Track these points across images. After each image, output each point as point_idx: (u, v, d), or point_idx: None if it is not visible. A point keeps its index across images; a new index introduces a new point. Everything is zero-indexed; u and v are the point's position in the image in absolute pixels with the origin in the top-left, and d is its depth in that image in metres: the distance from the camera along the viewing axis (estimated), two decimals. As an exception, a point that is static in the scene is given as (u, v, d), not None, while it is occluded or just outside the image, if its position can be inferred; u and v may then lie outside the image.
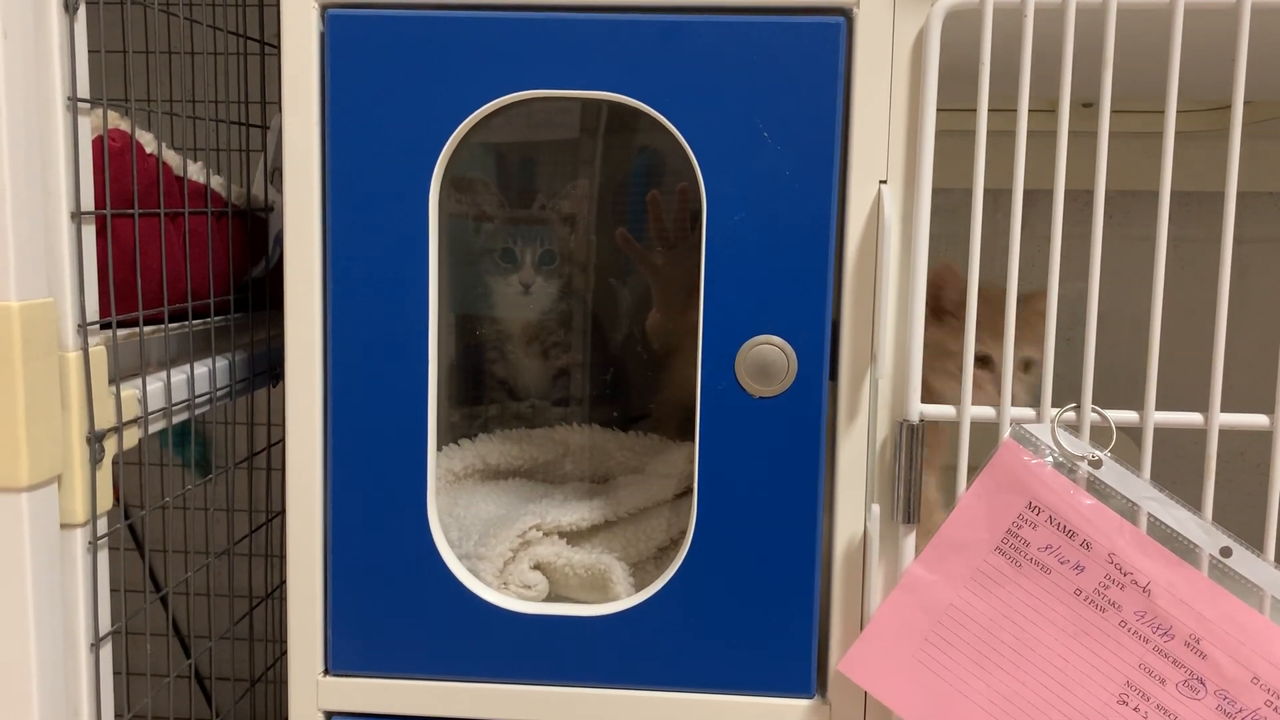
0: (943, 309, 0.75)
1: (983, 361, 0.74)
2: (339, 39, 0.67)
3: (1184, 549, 0.63)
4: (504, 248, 0.94)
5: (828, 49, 0.65)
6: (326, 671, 0.73)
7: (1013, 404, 0.65)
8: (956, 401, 0.66)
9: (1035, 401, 0.66)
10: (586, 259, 0.99)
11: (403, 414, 0.69)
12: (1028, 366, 0.75)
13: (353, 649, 0.72)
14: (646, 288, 0.96)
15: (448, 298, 1.00)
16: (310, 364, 0.70)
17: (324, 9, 0.67)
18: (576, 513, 0.79)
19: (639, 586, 0.74)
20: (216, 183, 0.77)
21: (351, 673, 0.72)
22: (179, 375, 0.73)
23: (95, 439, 0.63)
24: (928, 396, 0.68)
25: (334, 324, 0.69)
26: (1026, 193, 0.64)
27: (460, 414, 1.01)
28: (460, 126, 0.67)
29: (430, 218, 0.68)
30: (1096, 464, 0.64)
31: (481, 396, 1.02)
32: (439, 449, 0.86)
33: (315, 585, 0.71)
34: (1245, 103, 0.63)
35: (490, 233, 0.96)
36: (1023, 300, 0.66)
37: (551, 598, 0.78)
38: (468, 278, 1.01)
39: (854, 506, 0.69)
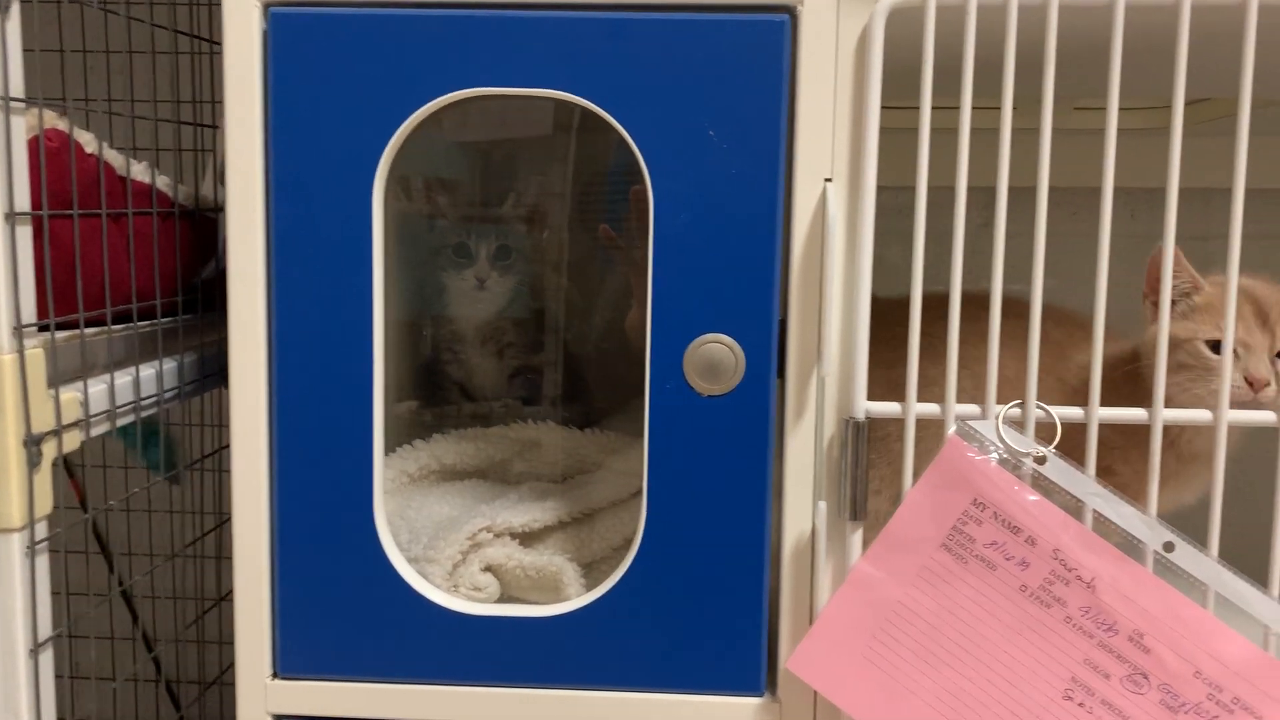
0: (1171, 300, 0.69)
1: (1217, 346, 0.67)
2: (281, 37, 0.66)
3: (1128, 544, 0.63)
4: (458, 243, 0.93)
5: (772, 47, 0.65)
6: (275, 675, 0.72)
7: (1272, 390, 0.65)
8: (1204, 395, 0.66)
9: None
10: (550, 256, 0.99)
11: (349, 416, 0.69)
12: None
13: (301, 652, 0.71)
14: (610, 284, 0.97)
15: (405, 296, 1.00)
16: (255, 366, 0.69)
17: (266, 7, 0.67)
18: (529, 514, 0.79)
19: (594, 587, 0.74)
20: (163, 182, 0.77)
21: (300, 676, 0.72)
22: (124, 377, 0.72)
23: (33, 443, 0.62)
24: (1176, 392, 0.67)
25: (278, 325, 0.68)
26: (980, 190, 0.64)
27: (418, 414, 1.01)
28: (404, 124, 0.67)
29: (374, 217, 0.68)
30: (1041, 460, 0.64)
31: (440, 396, 1.01)
32: (393, 450, 0.86)
33: (263, 589, 0.71)
34: (1202, 100, 0.63)
35: (445, 228, 0.96)
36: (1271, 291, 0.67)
37: (504, 599, 0.77)
38: (425, 276, 1.01)
39: (802, 504, 0.69)
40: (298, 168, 0.67)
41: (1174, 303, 0.68)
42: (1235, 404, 0.65)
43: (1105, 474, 0.69)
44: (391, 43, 0.66)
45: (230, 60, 0.67)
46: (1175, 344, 0.67)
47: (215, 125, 0.87)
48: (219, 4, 0.67)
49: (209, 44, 0.86)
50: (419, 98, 0.67)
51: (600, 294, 0.99)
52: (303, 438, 0.69)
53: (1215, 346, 0.67)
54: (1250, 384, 0.66)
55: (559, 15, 0.66)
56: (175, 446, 1.16)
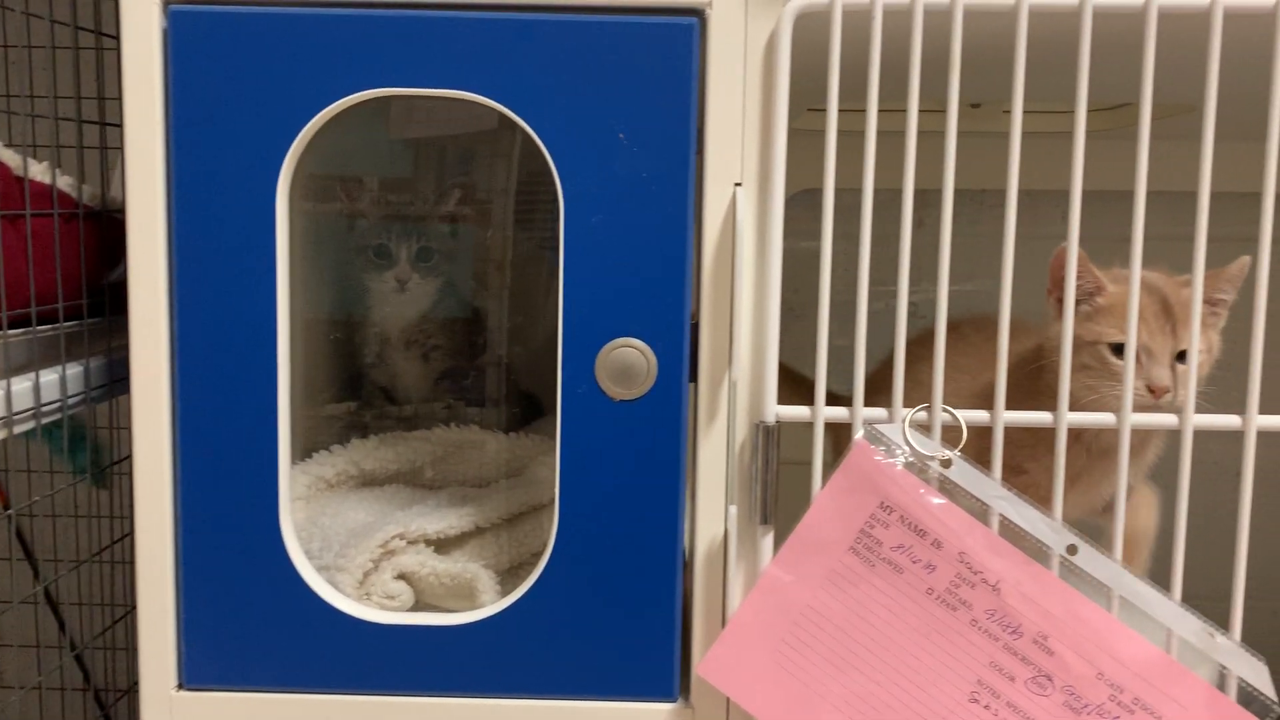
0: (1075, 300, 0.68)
1: (1121, 350, 0.67)
2: (181, 35, 0.65)
3: (1033, 547, 0.64)
4: (378, 244, 0.92)
5: (681, 50, 0.65)
6: (180, 686, 0.70)
7: (1171, 395, 0.65)
8: (1107, 395, 0.66)
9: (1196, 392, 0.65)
10: (490, 255, 0.98)
11: (254, 421, 0.68)
12: (1184, 356, 0.68)
13: (207, 663, 0.70)
14: (546, 285, 0.96)
15: (332, 297, 0.99)
16: (157, 371, 0.67)
17: (166, 4, 0.65)
18: (446, 520, 0.78)
19: (510, 593, 0.73)
20: (65, 183, 0.75)
21: (206, 687, 0.70)
22: (24, 383, 0.70)
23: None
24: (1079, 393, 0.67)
25: (181, 329, 0.67)
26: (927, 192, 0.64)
27: (347, 417, 0.99)
28: (308, 125, 0.66)
29: (279, 218, 0.66)
30: (947, 464, 0.64)
31: (360, 399, 1.00)
32: (310, 455, 0.84)
33: (166, 598, 0.69)
34: (1125, 105, 0.64)
35: (365, 229, 0.94)
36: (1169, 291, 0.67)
37: (420, 607, 0.77)
38: (345, 277, 0.99)
39: (714, 508, 0.68)
40: (200, 168, 0.66)
41: (1078, 303, 0.68)
42: (1137, 409, 0.65)
43: (1016, 473, 0.70)
44: (295, 42, 0.65)
45: (129, 58, 0.65)
46: (1079, 345, 0.67)
47: (120, 124, 0.85)
48: (112, -1, 0.65)
49: (111, 39, 0.84)
50: (324, 98, 0.65)
51: (535, 294, 0.98)
52: (207, 444, 0.68)
53: (1118, 349, 0.68)
54: (1151, 391, 0.66)
55: (465, 16, 0.65)
56: (102, 450, 1.13)
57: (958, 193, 0.65)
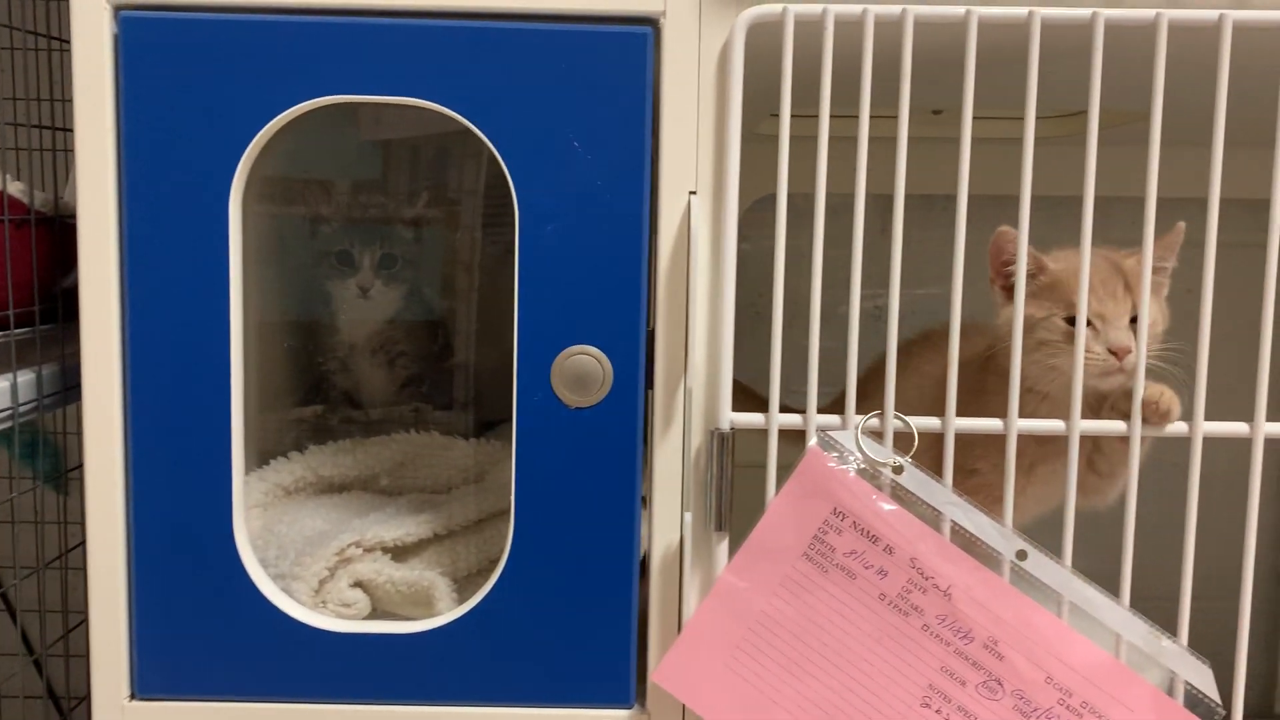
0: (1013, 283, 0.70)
1: (1074, 321, 0.68)
2: (132, 41, 0.65)
3: (983, 553, 0.64)
4: (341, 250, 0.92)
5: (635, 59, 0.65)
6: (133, 696, 0.70)
7: (1128, 358, 0.66)
8: (1062, 370, 0.67)
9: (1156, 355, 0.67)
10: (459, 259, 0.98)
11: (206, 430, 0.67)
12: (1132, 323, 0.69)
13: (160, 672, 0.69)
14: (502, 290, 0.95)
15: (297, 301, 0.98)
16: (108, 378, 0.67)
17: (116, 10, 0.65)
18: (403, 527, 0.78)
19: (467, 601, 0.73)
20: (16, 189, 0.74)
21: (159, 696, 0.70)
22: (-27, 390, 0.70)
23: None
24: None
25: (133, 336, 0.67)
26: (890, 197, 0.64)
27: (302, 422, 0.99)
28: (261, 131, 0.65)
29: (232, 225, 0.66)
30: (898, 470, 0.65)
31: (325, 404, 1.00)
32: (268, 463, 0.84)
33: (119, 607, 0.69)
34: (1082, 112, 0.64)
35: (328, 235, 0.94)
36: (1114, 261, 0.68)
37: (378, 615, 0.76)
38: (308, 283, 0.99)
39: (671, 515, 0.69)
40: (151, 174, 0.66)
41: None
42: (1101, 374, 0.66)
43: (968, 474, 0.70)
44: (248, 49, 0.65)
45: (79, 63, 0.65)
46: (1031, 326, 0.68)
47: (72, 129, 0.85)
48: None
49: (61, 43, 0.83)
50: (277, 105, 0.65)
51: (502, 299, 0.98)
52: (159, 452, 0.68)
53: (1071, 322, 0.68)
54: (1114, 353, 0.67)
55: (420, 24, 0.65)
56: (62, 456, 1.12)
57: (920, 198, 0.65)
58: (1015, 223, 0.66)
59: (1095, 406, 0.69)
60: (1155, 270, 0.70)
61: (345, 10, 0.65)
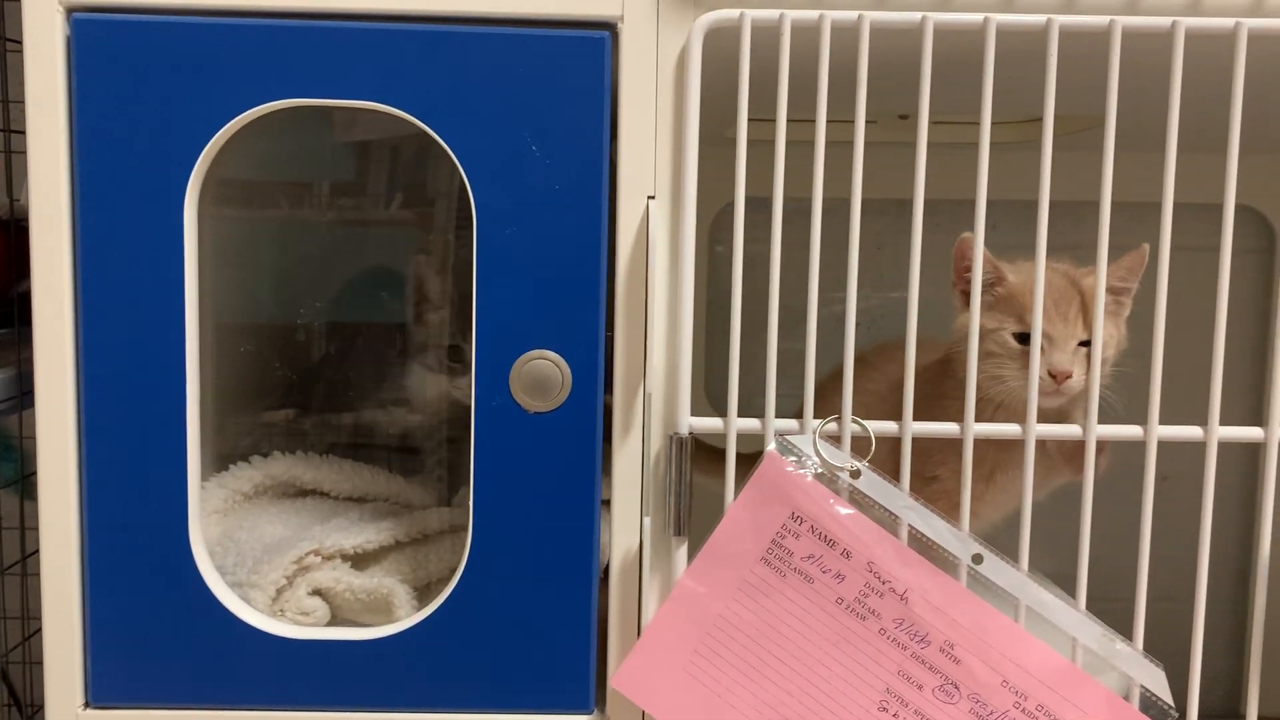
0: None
1: (1025, 337, 0.69)
2: (85, 43, 0.64)
3: (940, 557, 0.64)
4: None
5: (593, 63, 0.65)
6: (87, 704, 0.69)
7: (1069, 381, 0.66)
8: (1007, 383, 0.68)
9: (1102, 380, 0.67)
10: (435, 259, 0.98)
11: (161, 436, 0.67)
12: (1088, 343, 0.69)
13: (115, 680, 0.69)
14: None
15: (262, 302, 0.98)
16: (62, 383, 0.66)
17: (69, 11, 0.64)
18: (363, 535, 0.77)
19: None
20: (-30, 192, 0.73)
21: (114, 705, 0.69)
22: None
23: None
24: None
25: (86, 341, 0.66)
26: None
27: (270, 428, 0.98)
28: (216, 136, 0.65)
29: (186, 230, 0.66)
30: (856, 475, 0.65)
31: (300, 406, 0.99)
32: (227, 468, 0.83)
33: (72, 614, 0.68)
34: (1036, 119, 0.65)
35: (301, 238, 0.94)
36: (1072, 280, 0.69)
37: (338, 622, 0.76)
38: (284, 282, 0.99)
39: (630, 520, 0.68)
40: (105, 178, 0.65)
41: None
42: (1042, 395, 0.66)
43: (928, 481, 0.71)
44: (202, 52, 0.64)
45: (31, 65, 0.64)
46: (983, 334, 0.68)
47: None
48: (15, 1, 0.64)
49: (15, 44, 0.82)
50: (232, 108, 0.65)
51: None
52: (114, 458, 0.67)
53: (1021, 336, 0.69)
54: (1053, 376, 0.67)
55: (375, 27, 0.65)
56: (20, 461, 1.11)
57: (892, 202, 0.66)
58: (995, 225, 0.67)
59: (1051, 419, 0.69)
60: (1117, 291, 0.70)
61: (301, 14, 0.65)
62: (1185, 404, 0.68)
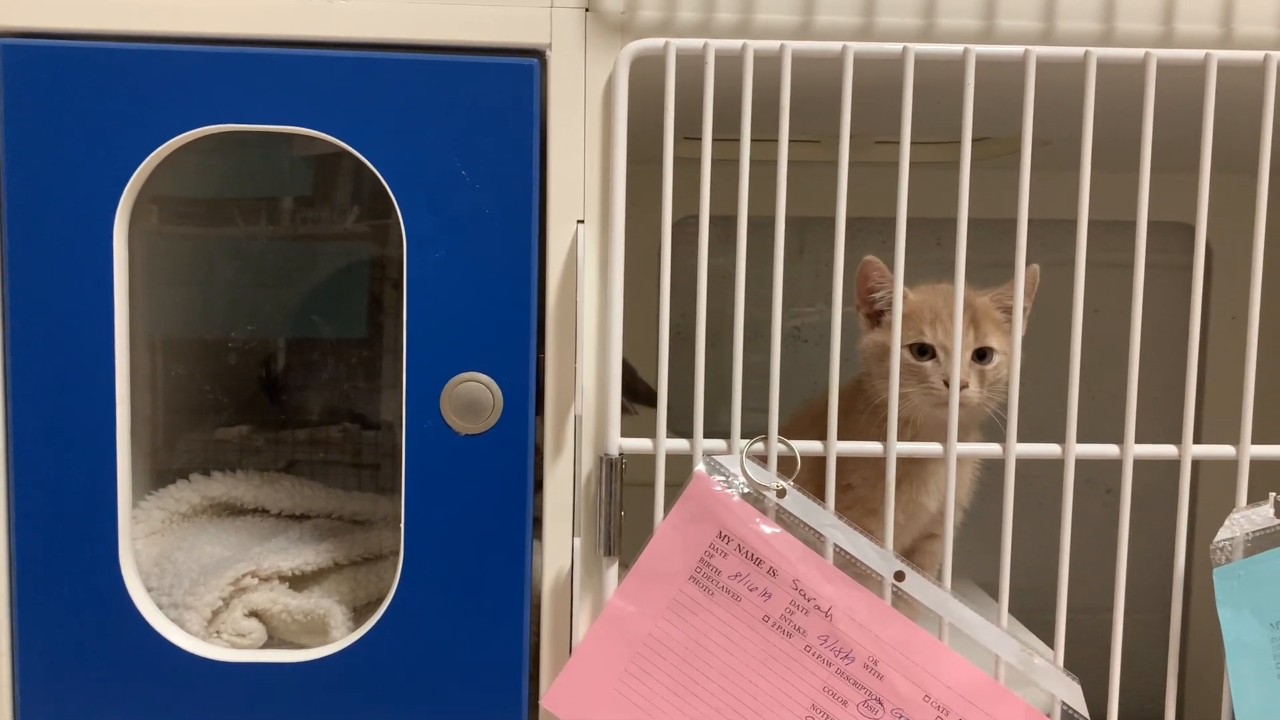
0: (879, 310, 0.75)
1: (923, 351, 0.73)
2: (12, 68, 0.64)
3: (864, 574, 0.66)
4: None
5: (522, 90, 0.66)
6: (16, 731, 0.69)
7: (965, 391, 0.68)
8: (909, 398, 0.70)
9: (998, 394, 0.71)
10: (374, 276, 0.98)
11: (90, 458, 0.67)
12: (982, 355, 0.73)
13: (44, 706, 0.68)
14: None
15: (214, 319, 0.98)
16: (-11, 408, 0.66)
17: (-3, 37, 0.64)
18: (302, 556, 0.78)
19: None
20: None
21: (44, 731, 0.69)
22: None
23: None
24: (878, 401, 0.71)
25: (13, 364, 0.66)
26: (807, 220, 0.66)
27: (221, 445, 0.98)
28: (146, 160, 0.65)
29: (116, 253, 0.66)
30: (781, 494, 0.66)
31: (253, 423, 1.00)
32: (164, 487, 0.83)
33: (0, 639, 0.68)
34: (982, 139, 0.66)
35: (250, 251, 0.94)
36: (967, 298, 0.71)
37: (275, 643, 0.76)
38: (234, 299, 0.99)
39: (562, 541, 0.69)
40: (33, 203, 0.65)
41: (882, 312, 0.74)
42: (936, 404, 0.70)
43: (844, 490, 0.72)
44: (131, 78, 0.65)
45: (-42, 91, 0.64)
46: (885, 350, 0.70)
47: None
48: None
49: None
50: (161, 134, 0.65)
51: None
52: (40, 480, 0.67)
53: (920, 350, 0.72)
54: (948, 385, 0.69)
55: (305, 54, 0.66)
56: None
57: (859, 220, 0.67)
58: (925, 245, 0.68)
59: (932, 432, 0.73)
60: (1007, 310, 0.74)
61: (231, 40, 0.65)
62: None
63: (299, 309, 1.02)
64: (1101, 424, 0.70)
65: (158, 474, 0.86)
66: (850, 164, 0.66)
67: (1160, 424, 0.72)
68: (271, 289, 1.02)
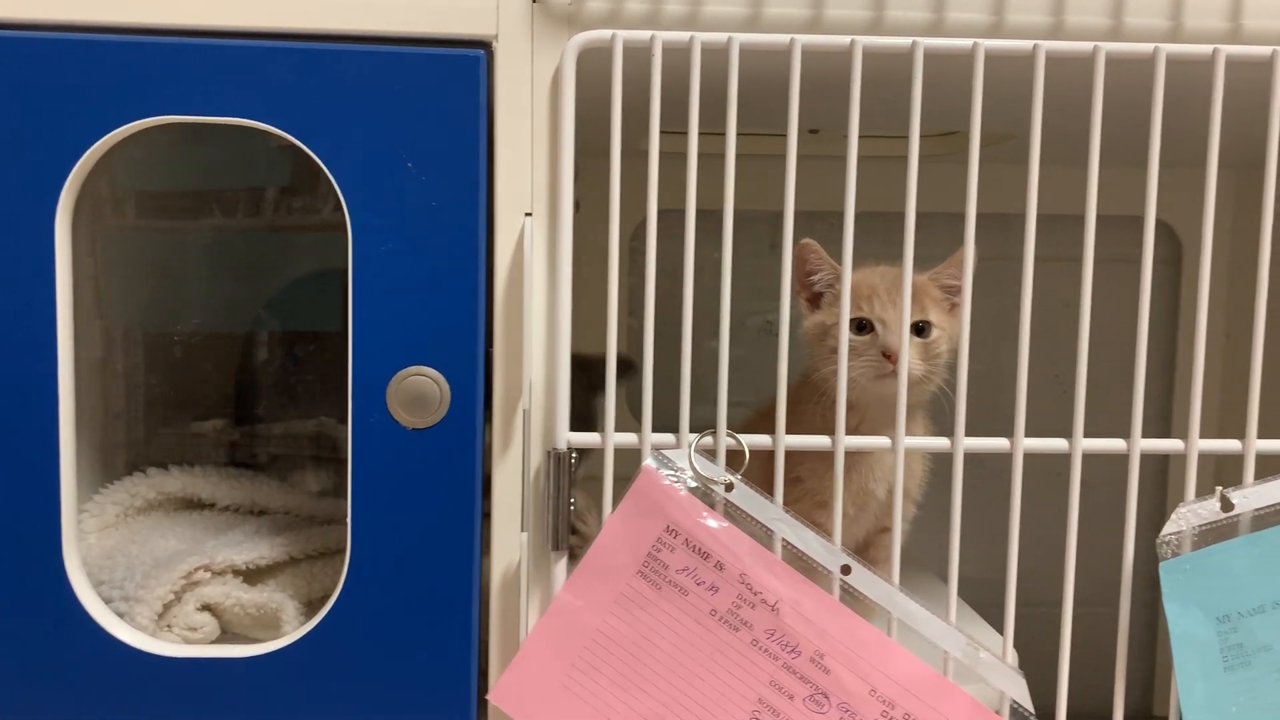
0: (818, 293, 0.75)
1: (861, 327, 0.73)
2: (-48, 60, 0.64)
3: (811, 568, 0.65)
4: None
5: (468, 82, 0.66)
6: (-40, 727, 0.68)
7: (910, 366, 0.68)
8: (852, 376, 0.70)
9: (939, 370, 0.72)
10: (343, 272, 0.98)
11: (31, 451, 0.66)
12: (920, 330, 0.73)
13: (-11, 702, 0.68)
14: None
15: (186, 312, 0.98)
16: (-68, 402, 0.66)
17: (-64, 28, 0.64)
18: (256, 550, 0.77)
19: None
20: None
21: (-11, 727, 0.68)
22: None
23: None
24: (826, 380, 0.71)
25: (-44, 359, 0.66)
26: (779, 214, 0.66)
27: (196, 439, 0.98)
28: (89, 152, 0.65)
29: (59, 246, 0.65)
30: (729, 487, 0.66)
31: (222, 420, 0.99)
32: (121, 479, 0.83)
33: (-55, 636, 0.67)
34: (953, 133, 0.66)
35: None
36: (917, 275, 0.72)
37: (228, 637, 0.76)
38: (206, 293, 0.98)
39: (510, 535, 0.69)
40: (-26, 196, 0.65)
41: (821, 294, 0.75)
42: (876, 376, 0.70)
43: (794, 483, 0.72)
44: (73, 69, 0.64)
45: (-102, 83, 0.64)
46: (825, 330, 0.72)
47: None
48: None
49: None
50: (104, 126, 0.65)
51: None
52: (-15, 477, 0.66)
53: (857, 326, 0.72)
54: (887, 357, 0.70)
55: (250, 45, 0.65)
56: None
57: (803, 214, 0.67)
58: (891, 239, 0.68)
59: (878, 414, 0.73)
60: (947, 289, 0.74)
61: (174, 31, 0.65)
62: (1101, 412, 0.71)
63: (276, 302, 1.02)
64: (1087, 418, 0.69)
65: (130, 468, 0.86)
66: (819, 158, 0.66)
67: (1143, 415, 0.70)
68: (246, 281, 1.02)
